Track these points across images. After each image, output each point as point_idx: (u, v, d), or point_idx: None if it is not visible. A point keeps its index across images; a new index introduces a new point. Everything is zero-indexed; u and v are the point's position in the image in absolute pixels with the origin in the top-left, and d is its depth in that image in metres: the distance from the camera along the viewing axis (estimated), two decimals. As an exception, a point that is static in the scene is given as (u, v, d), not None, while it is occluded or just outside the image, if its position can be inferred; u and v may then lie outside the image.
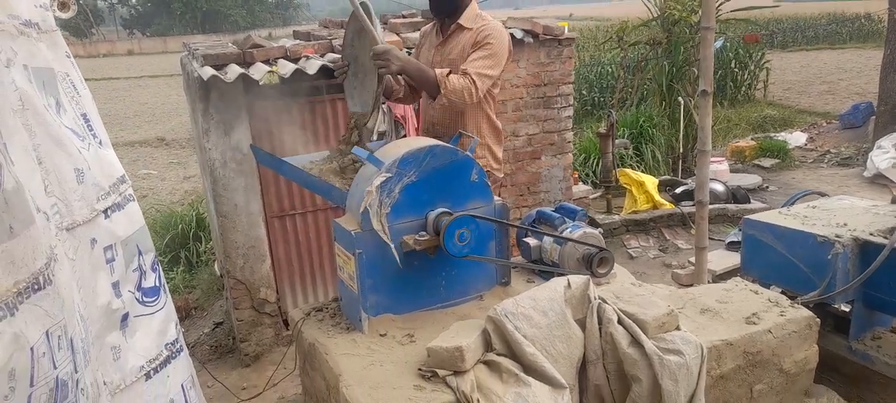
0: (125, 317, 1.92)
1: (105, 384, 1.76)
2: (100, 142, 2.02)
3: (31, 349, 1.27)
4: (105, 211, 1.86)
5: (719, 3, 8.26)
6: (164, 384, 2.03)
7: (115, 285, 1.88)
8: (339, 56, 2.98)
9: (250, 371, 4.36)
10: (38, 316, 1.31)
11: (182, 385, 2.13)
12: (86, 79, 2.06)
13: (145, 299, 2.05)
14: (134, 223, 2.03)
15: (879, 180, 7.45)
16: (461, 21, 2.91)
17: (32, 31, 1.77)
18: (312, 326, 2.25)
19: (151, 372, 2.03)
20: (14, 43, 1.59)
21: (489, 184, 2.28)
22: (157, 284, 2.14)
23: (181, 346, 2.23)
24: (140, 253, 2.04)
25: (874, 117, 9.06)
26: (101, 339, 1.78)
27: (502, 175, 3.19)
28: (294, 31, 5.34)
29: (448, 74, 2.72)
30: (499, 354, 1.87)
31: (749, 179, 7.73)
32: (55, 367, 1.36)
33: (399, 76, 2.87)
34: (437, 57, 2.97)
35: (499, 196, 2.92)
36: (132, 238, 2.00)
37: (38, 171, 1.52)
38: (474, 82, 2.72)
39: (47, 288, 1.35)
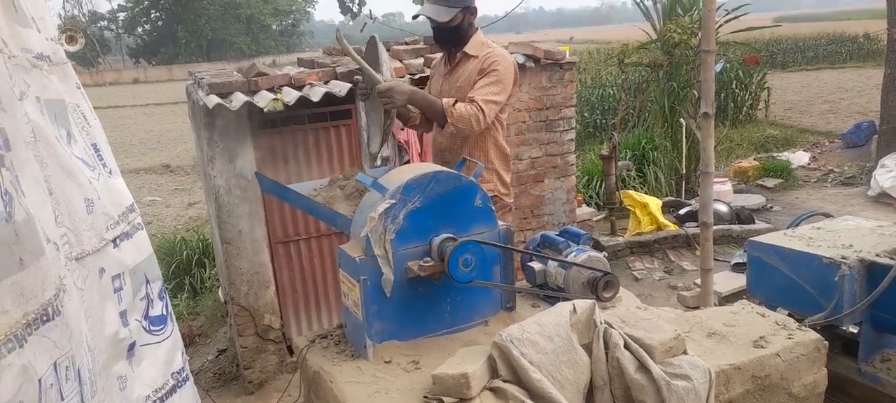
0: (132, 346, 1.92)
1: None
2: (110, 171, 2.04)
3: (39, 380, 1.27)
4: (114, 241, 1.87)
5: (719, 25, 8.35)
6: None
7: (123, 314, 1.89)
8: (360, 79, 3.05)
9: (254, 398, 4.33)
10: (46, 348, 1.31)
11: None
12: (93, 108, 2.09)
13: (152, 328, 2.06)
14: (142, 251, 2.04)
15: (884, 199, 7.43)
16: (467, 49, 2.96)
17: (44, 63, 1.80)
18: (317, 353, 2.25)
19: (157, 402, 2.02)
20: (27, 76, 1.62)
21: (494, 208, 2.29)
22: (164, 313, 2.14)
23: (187, 375, 2.22)
24: (147, 282, 2.05)
25: (876, 136, 9.06)
26: (108, 369, 1.78)
27: (512, 200, 3.20)
28: (298, 58, 5.40)
29: (455, 103, 2.78)
30: (505, 381, 1.86)
31: (753, 199, 7.72)
32: (62, 398, 1.36)
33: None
34: (446, 86, 3.02)
35: (507, 221, 2.94)
36: (140, 266, 2.01)
37: (48, 202, 1.53)
38: (481, 109, 2.78)
39: (56, 319, 1.36)
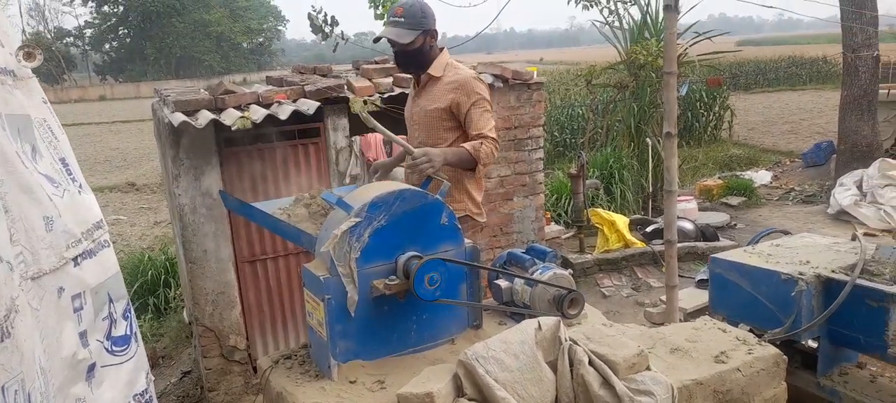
0: (92, 368, 1.87)
1: None
2: (79, 186, 2.00)
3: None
4: (75, 259, 1.83)
5: (683, 48, 8.56)
6: None
7: (83, 334, 1.84)
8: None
9: (219, 421, 4.24)
10: None
11: None
12: (61, 124, 2.05)
13: (115, 348, 2.01)
14: (107, 270, 2.00)
15: (843, 216, 7.65)
16: (431, 71, 2.99)
17: (8, 78, 1.77)
18: (281, 374, 2.21)
19: None
20: None
21: (460, 227, 2.29)
22: (128, 333, 2.09)
23: (151, 397, 2.17)
24: (111, 301, 2.01)
25: (835, 155, 9.35)
26: (65, 391, 1.73)
27: (484, 219, 3.22)
28: (267, 76, 5.37)
29: (479, 147, 2.89)
30: (470, 399, 1.85)
31: (717, 217, 7.88)
32: None
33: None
34: (415, 109, 3.06)
35: (476, 240, 2.95)
36: (103, 285, 1.97)
37: (3, 220, 1.49)
38: (495, 140, 2.95)
39: (6, 341, 1.32)
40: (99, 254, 1.98)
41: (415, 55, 2.96)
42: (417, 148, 2.94)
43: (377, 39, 3.08)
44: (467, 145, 2.89)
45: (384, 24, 3.02)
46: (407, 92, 3.47)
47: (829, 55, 23.49)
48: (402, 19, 2.89)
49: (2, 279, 1.35)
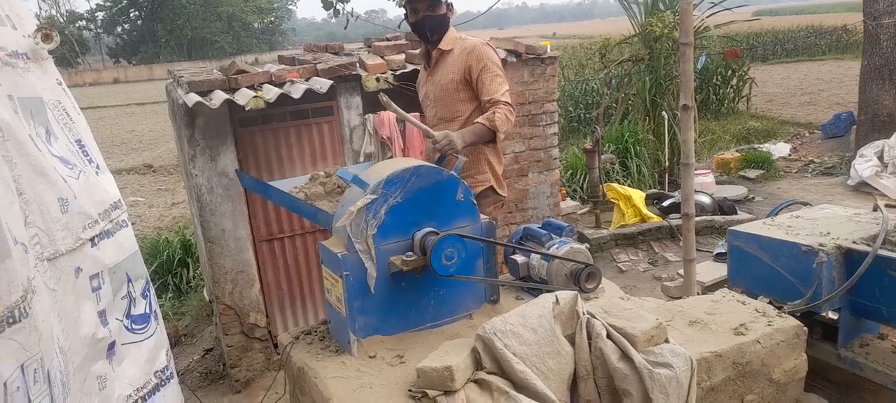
0: (112, 346, 1.90)
1: None
2: (97, 167, 2.01)
3: (4, 384, 1.25)
4: (92, 240, 1.85)
5: (700, 19, 8.41)
6: None
7: (102, 313, 1.86)
8: None
9: (241, 397, 4.31)
10: (12, 350, 1.29)
11: None
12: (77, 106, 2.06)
13: (134, 326, 2.03)
14: (124, 250, 2.02)
15: (863, 188, 7.54)
16: (442, 46, 2.99)
17: (20, 61, 1.78)
18: (301, 350, 2.24)
19: (139, 401, 2.00)
20: None
21: (476, 202, 2.29)
22: (148, 311, 2.12)
23: (171, 373, 2.20)
24: (129, 280, 2.03)
25: (855, 127, 9.19)
26: (86, 369, 1.76)
27: (505, 194, 3.22)
28: (279, 55, 5.36)
29: (492, 117, 2.85)
30: (489, 372, 1.86)
31: (735, 190, 7.80)
32: (30, 401, 1.34)
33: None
34: (430, 86, 3.07)
35: (497, 216, 2.95)
36: (121, 265, 1.99)
37: (17, 203, 1.51)
38: (508, 104, 2.90)
39: (23, 321, 1.34)
40: (117, 234, 2.00)
41: (437, 24, 2.97)
42: (436, 127, 2.95)
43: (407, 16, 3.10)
44: (482, 119, 2.88)
45: None
46: (418, 68, 3.45)
47: (850, 23, 22.96)
48: None
49: (18, 261, 1.37)
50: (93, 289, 1.83)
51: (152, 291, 2.19)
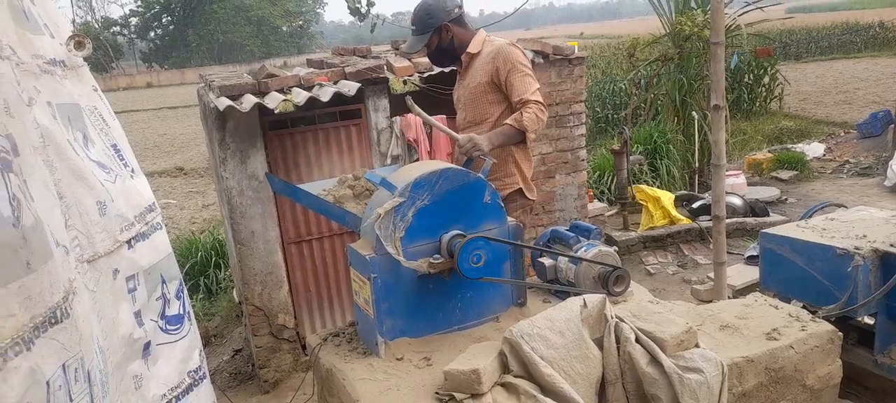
0: (147, 346, 1.94)
1: None
2: (132, 171, 2.07)
3: (47, 383, 1.28)
4: (128, 242, 1.89)
5: (731, 17, 8.28)
6: None
7: (137, 314, 1.91)
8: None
9: (270, 397, 4.37)
10: (54, 350, 1.33)
11: None
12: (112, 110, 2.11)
13: (168, 327, 2.07)
14: (159, 252, 2.06)
15: (901, 189, 7.34)
16: (470, 50, 2.99)
17: (58, 68, 1.83)
18: (329, 351, 2.26)
19: (173, 400, 2.04)
20: (37, 81, 1.64)
21: (503, 205, 2.29)
22: (181, 312, 2.16)
23: (204, 374, 2.24)
24: (164, 282, 2.07)
25: (893, 126, 8.95)
26: (123, 369, 1.81)
27: (534, 197, 3.19)
28: (307, 59, 5.42)
29: (521, 118, 2.85)
30: (516, 376, 1.86)
31: (767, 192, 7.65)
32: (71, 400, 1.37)
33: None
34: (462, 91, 3.09)
35: (526, 219, 2.95)
36: (156, 267, 2.03)
37: (58, 206, 1.55)
38: (538, 103, 2.88)
39: (65, 322, 1.37)
40: (151, 237, 2.04)
41: (439, 53, 3.03)
42: (466, 130, 2.96)
43: (408, 55, 3.19)
44: (510, 120, 2.87)
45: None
46: (445, 70, 3.48)
47: (886, 19, 22.36)
48: (414, 27, 2.97)
49: (59, 262, 1.41)
50: (129, 291, 1.87)
51: (185, 292, 2.24)
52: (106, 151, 1.97)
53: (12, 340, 1.21)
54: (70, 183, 1.65)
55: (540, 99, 2.88)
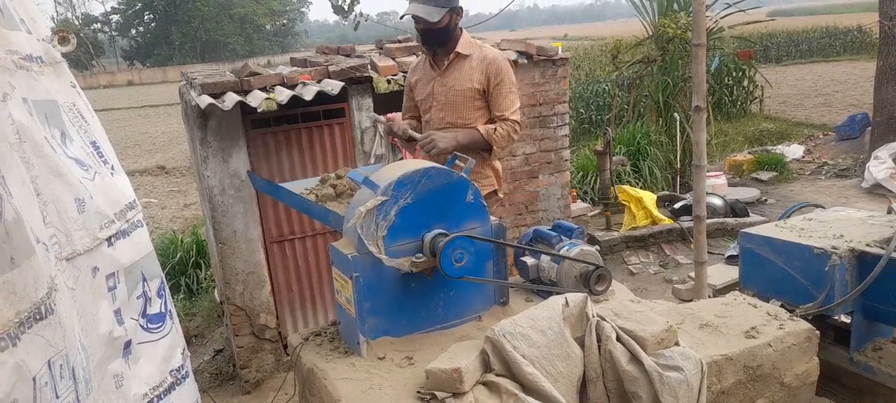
0: (128, 345, 1.93)
1: None
2: (112, 168, 2.04)
3: (34, 379, 1.27)
4: (108, 240, 1.87)
5: (713, 20, 8.37)
6: None
7: (118, 312, 1.89)
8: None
9: (251, 398, 4.34)
10: (40, 346, 1.32)
11: None
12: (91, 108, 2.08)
13: (150, 325, 2.06)
14: (139, 250, 2.04)
15: (878, 190, 7.47)
16: (459, 49, 2.97)
17: (34, 64, 1.80)
18: (311, 351, 2.25)
19: (155, 400, 2.03)
20: (12, 77, 1.62)
21: (486, 204, 2.29)
22: (163, 310, 2.14)
23: (187, 372, 2.22)
24: (145, 280, 2.05)
25: (870, 128, 9.10)
26: (103, 367, 1.79)
27: (503, 194, 3.30)
28: (291, 57, 5.39)
29: (494, 131, 2.92)
30: (498, 375, 1.86)
31: (747, 193, 7.75)
32: (57, 397, 1.36)
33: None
34: (440, 88, 3.03)
35: (499, 215, 2.96)
36: (137, 265, 2.01)
37: (36, 203, 1.53)
38: (516, 123, 2.98)
39: (49, 318, 1.36)
40: (132, 234, 2.02)
41: (441, 33, 2.95)
42: (442, 130, 2.96)
43: (403, 16, 3.06)
44: (481, 128, 2.91)
45: (409, 1, 2.98)
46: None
47: (865, 24, 22.69)
48: None
49: (40, 259, 1.39)
50: (109, 289, 1.85)
51: (167, 291, 2.22)
52: (85, 148, 1.94)
53: (9, 330, 1.20)
54: (47, 179, 1.63)
55: (519, 119, 2.98)
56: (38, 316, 1.33)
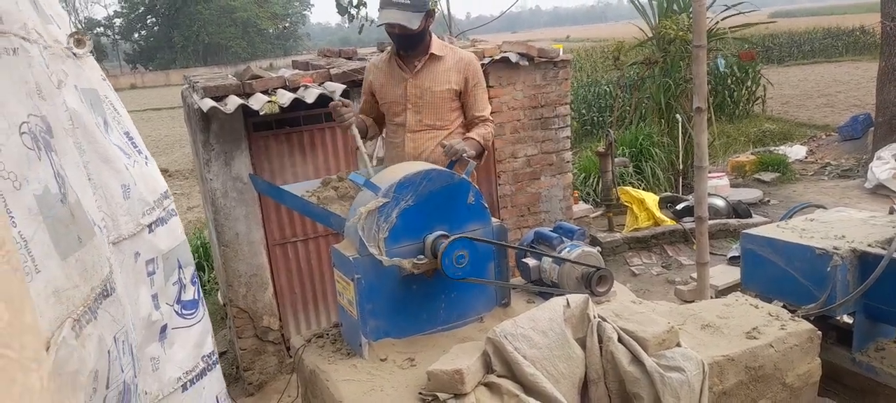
0: (164, 329, 1.97)
1: (145, 394, 1.83)
2: (145, 158, 2.08)
3: (108, 352, 1.33)
4: (150, 226, 1.92)
5: (714, 21, 8.36)
6: (200, 396, 2.07)
7: (155, 297, 1.93)
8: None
9: (254, 399, 4.34)
10: (108, 322, 1.38)
11: (217, 398, 2.18)
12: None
13: (184, 312, 2.09)
14: (176, 237, 2.09)
15: (880, 191, 7.45)
16: (434, 51, 2.97)
17: (70, 55, 1.84)
18: (313, 353, 2.26)
19: (188, 384, 2.06)
20: (64, 64, 1.66)
21: (486, 206, 2.30)
22: (196, 297, 2.18)
23: (216, 359, 2.26)
24: (180, 267, 2.09)
25: (873, 128, 9.08)
26: (142, 350, 1.83)
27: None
28: (293, 60, 5.41)
29: (484, 134, 2.99)
30: (499, 376, 1.87)
31: (750, 194, 7.74)
32: (122, 371, 1.42)
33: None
34: (412, 89, 2.99)
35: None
36: (173, 252, 2.06)
37: (89, 187, 1.58)
38: (492, 122, 3.09)
39: (113, 295, 1.43)
40: (169, 222, 2.07)
41: (418, 38, 2.92)
42: (420, 132, 2.97)
43: (381, 23, 2.95)
44: (476, 135, 2.94)
45: (382, 8, 2.90)
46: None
47: (867, 24, 22.67)
48: (408, 3, 2.82)
49: (100, 241, 1.45)
50: (148, 274, 1.91)
51: (198, 279, 2.25)
52: (121, 137, 1.98)
53: (84, 309, 1.26)
54: (97, 166, 1.69)
55: (492, 118, 3.09)
56: (105, 293, 1.39)
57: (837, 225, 2.72)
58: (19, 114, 1.24)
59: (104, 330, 1.32)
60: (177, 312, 2.04)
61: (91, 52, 2.00)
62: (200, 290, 2.21)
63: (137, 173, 1.90)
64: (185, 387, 2.01)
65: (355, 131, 2.89)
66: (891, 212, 2.86)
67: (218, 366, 2.24)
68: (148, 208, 1.90)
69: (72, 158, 1.47)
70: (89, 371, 1.22)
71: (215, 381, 2.19)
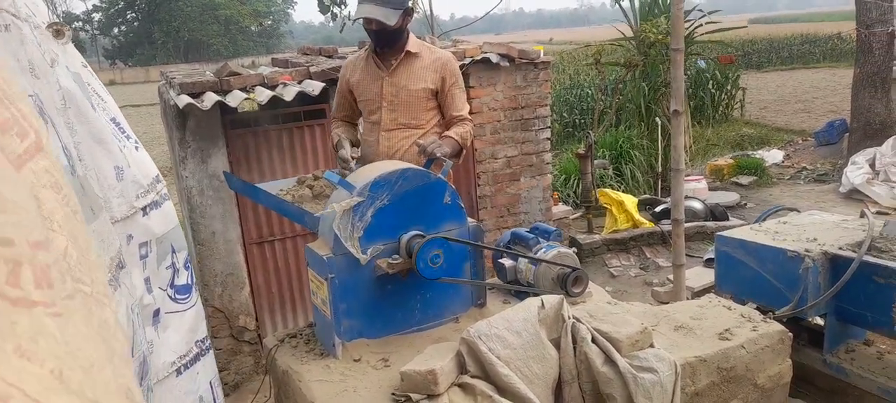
0: (157, 313, 1.95)
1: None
2: (135, 143, 2.05)
3: (132, 321, 1.34)
4: (144, 209, 1.90)
5: (692, 26, 8.45)
6: (194, 380, 2.06)
7: (147, 280, 1.91)
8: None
9: (230, 400, 4.29)
10: (124, 292, 1.38)
11: (210, 383, 2.17)
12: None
13: (178, 296, 2.08)
14: (169, 221, 2.07)
15: (855, 195, 7.57)
16: (409, 49, 2.94)
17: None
18: (286, 353, 2.23)
19: (182, 369, 2.04)
20: (54, 45, 1.63)
21: (462, 206, 2.29)
22: (190, 282, 2.16)
23: (209, 345, 2.24)
24: (173, 251, 2.07)
25: (848, 134, 9.24)
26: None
27: None
28: (273, 58, 5.36)
29: (462, 133, 2.93)
30: (473, 376, 1.86)
31: (727, 197, 7.82)
32: (141, 342, 1.43)
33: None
34: (389, 87, 2.96)
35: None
36: (167, 235, 2.04)
37: (90, 166, 1.57)
38: (470, 121, 3.03)
39: (126, 268, 1.44)
40: (163, 206, 2.05)
41: (395, 34, 2.88)
42: (395, 131, 2.94)
43: (358, 18, 2.94)
44: (454, 135, 2.88)
45: (361, 2, 2.86)
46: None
47: (844, 31, 23.06)
48: None
49: (106, 219, 1.45)
50: (141, 256, 1.89)
51: (192, 264, 2.23)
52: (108, 124, 1.95)
53: (111, 275, 1.27)
54: (89, 146, 1.68)
55: (470, 117, 3.03)
56: (120, 265, 1.40)
57: (810, 228, 2.75)
58: None
59: (122, 299, 1.33)
60: (170, 296, 2.03)
61: (72, 41, 1.97)
62: (194, 275, 2.20)
63: (130, 156, 1.89)
64: (179, 372, 2.01)
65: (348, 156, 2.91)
66: (862, 216, 2.90)
67: (211, 352, 2.23)
68: (142, 190, 1.90)
69: (65, 138, 1.47)
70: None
71: (209, 366, 2.19)
